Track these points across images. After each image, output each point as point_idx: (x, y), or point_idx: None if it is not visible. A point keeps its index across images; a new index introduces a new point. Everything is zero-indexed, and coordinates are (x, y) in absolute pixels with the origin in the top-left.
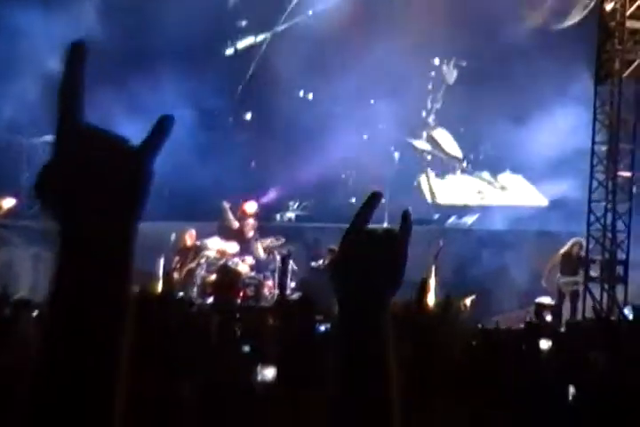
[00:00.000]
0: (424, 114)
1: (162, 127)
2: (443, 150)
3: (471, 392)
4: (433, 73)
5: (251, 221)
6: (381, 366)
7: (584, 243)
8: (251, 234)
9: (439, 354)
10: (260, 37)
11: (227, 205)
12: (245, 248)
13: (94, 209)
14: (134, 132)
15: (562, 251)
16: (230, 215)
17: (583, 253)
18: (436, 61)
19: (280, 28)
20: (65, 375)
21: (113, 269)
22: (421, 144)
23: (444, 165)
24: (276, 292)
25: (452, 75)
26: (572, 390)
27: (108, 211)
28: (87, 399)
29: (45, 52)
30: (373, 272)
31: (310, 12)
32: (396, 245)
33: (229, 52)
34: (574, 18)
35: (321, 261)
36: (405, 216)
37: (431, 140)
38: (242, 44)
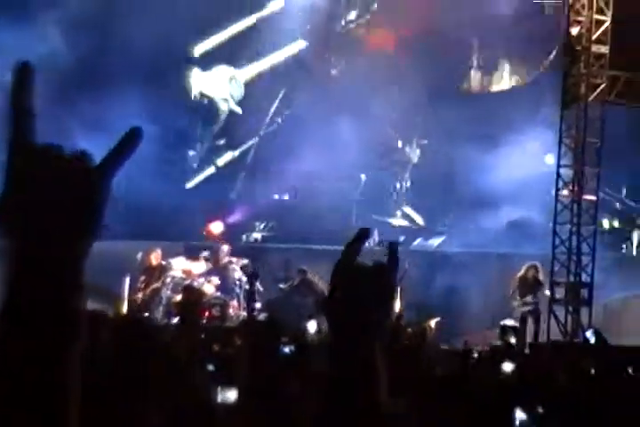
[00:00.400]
0: (395, 196)
1: (129, 141)
2: (414, 222)
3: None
4: (397, 155)
5: (225, 248)
6: (373, 400)
7: (539, 266)
8: (225, 260)
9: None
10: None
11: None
12: (220, 272)
13: (48, 229)
14: (95, 148)
15: (518, 275)
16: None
17: (540, 276)
18: (399, 144)
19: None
20: (17, 391)
21: (65, 287)
22: (398, 221)
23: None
24: (242, 312)
25: (415, 154)
26: (519, 414)
27: (62, 230)
28: (40, 416)
29: (5, 69)
30: (365, 305)
31: (280, 120)
32: (385, 278)
33: (211, 170)
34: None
35: (289, 283)
36: (392, 249)
37: (406, 216)
38: (221, 160)
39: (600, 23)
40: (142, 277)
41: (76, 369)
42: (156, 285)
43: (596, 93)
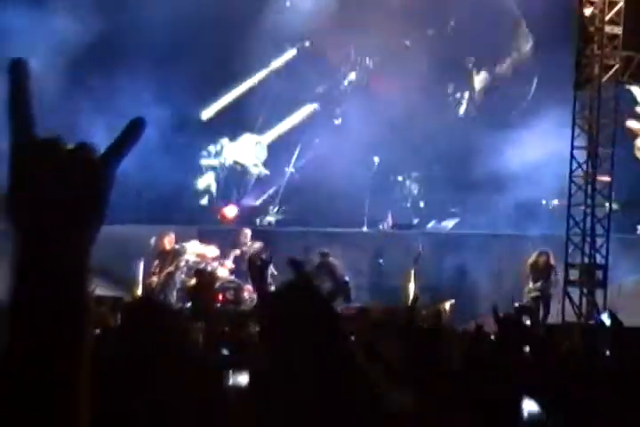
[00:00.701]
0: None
1: (132, 131)
2: None
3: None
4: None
5: (247, 232)
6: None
7: (550, 252)
8: (248, 243)
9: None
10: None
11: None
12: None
13: (51, 226)
14: (104, 131)
15: (529, 262)
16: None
17: (552, 261)
18: (400, 178)
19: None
20: (20, 389)
21: (69, 282)
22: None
23: None
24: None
25: (415, 186)
26: (531, 405)
27: (66, 226)
28: (43, 414)
29: (21, 52)
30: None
31: (292, 170)
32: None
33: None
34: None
35: (309, 266)
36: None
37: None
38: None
39: (613, 4)
40: (156, 262)
41: (84, 366)
42: (169, 269)
43: (609, 74)
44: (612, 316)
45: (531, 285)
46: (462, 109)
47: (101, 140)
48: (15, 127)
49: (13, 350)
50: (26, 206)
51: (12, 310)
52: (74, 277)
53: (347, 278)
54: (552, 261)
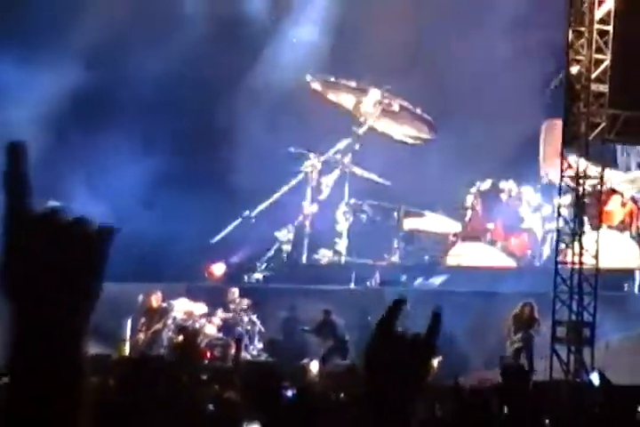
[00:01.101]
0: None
1: (105, 237)
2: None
3: None
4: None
5: (234, 291)
6: None
7: (534, 304)
8: (234, 303)
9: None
10: None
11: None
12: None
13: (47, 295)
14: (89, 190)
15: (512, 313)
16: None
17: (535, 313)
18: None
19: None
20: None
21: (63, 344)
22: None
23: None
24: (245, 353)
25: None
26: None
27: (61, 296)
28: None
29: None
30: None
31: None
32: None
33: None
34: None
35: (313, 326)
36: (435, 317)
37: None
38: None
39: (599, 62)
40: (143, 319)
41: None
42: (157, 326)
43: (596, 132)
44: (601, 375)
45: (512, 337)
46: None
47: (84, 196)
48: (11, 201)
49: (15, 410)
50: (21, 278)
51: (9, 372)
52: (68, 340)
53: (347, 338)
54: (536, 314)
